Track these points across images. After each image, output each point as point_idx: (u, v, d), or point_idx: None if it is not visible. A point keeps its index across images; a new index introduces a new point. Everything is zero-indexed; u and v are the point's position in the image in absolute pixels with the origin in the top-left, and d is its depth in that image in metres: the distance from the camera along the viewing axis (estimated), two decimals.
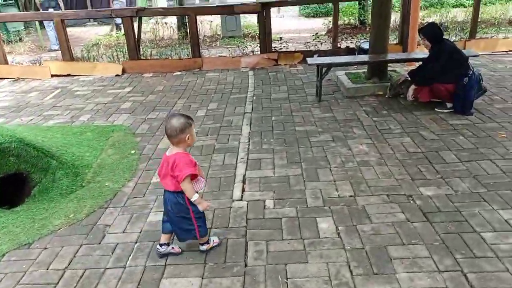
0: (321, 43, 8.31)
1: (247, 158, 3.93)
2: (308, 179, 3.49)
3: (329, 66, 5.50)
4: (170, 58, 7.98)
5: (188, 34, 7.59)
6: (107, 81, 7.23)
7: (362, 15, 10.82)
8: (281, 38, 8.12)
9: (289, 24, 14.39)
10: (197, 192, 2.46)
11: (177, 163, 2.38)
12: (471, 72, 4.62)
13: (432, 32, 4.76)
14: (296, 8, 17.87)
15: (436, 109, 4.87)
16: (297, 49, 8.12)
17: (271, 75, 7.08)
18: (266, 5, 7.33)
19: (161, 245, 2.62)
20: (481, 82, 4.75)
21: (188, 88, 6.60)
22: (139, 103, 5.91)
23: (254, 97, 5.89)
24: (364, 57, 5.84)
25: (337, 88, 6.03)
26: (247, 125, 4.80)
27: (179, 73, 7.59)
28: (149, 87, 6.78)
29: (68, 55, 7.65)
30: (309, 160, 3.84)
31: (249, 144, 4.25)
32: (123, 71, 7.67)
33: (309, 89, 6.05)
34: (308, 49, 7.99)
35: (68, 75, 7.67)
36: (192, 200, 2.44)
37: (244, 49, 8.04)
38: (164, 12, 7.38)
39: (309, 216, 2.95)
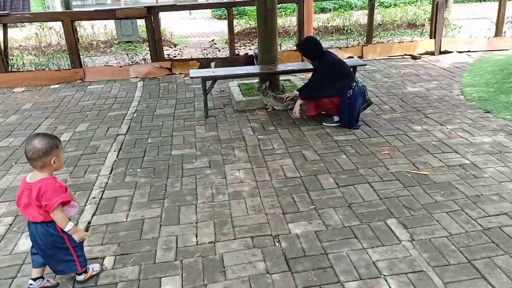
0: (219, 50, 7.84)
1: (101, 197, 3.29)
2: (166, 222, 2.95)
3: (214, 79, 5.03)
4: (48, 69, 7.00)
5: (66, 42, 6.70)
6: None
7: None
8: (175, 45, 7.52)
9: (199, 27, 13.85)
10: (70, 220, 2.21)
11: (44, 191, 2.08)
12: (354, 84, 4.41)
13: (307, 49, 4.53)
14: (208, 10, 17.33)
15: (323, 123, 4.61)
16: (193, 57, 7.57)
17: (162, 86, 6.46)
18: (153, 9, 6.68)
19: (34, 279, 2.30)
20: (366, 94, 4.56)
21: (61, 104, 5.76)
22: None
23: (135, 114, 5.24)
24: (250, 69, 5.42)
25: (230, 100, 5.60)
26: (114, 151, 4.15)
27: (57, 86, 6.68)
28: (15, 105, 5.82)
29: None
30: (175, 195, 3.30)
31: (109, 178, 3.61)
32: None
33: (199, 103, 5.53)
34: (205, 57, 7.48)
35: None
36: (66, 230, 2.17)
37: (133, 57, 7.32)
38: (33, 18, 6.42)
39: (153, 277, 2.42)
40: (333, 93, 4.42)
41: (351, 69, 4.93)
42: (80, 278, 2.36)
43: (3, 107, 5.74)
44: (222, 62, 7.16)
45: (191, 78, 4.97)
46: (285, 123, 4.72)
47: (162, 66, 7.01)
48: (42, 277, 2.32)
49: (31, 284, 2.29)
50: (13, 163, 3.97)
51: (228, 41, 7.20)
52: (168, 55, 7.35)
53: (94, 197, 3.29)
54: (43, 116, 5.33)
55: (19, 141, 4.50)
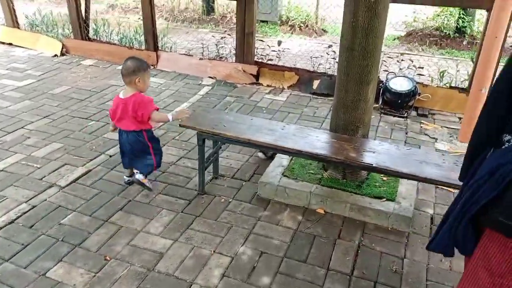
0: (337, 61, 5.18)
1: None
2: None
3: (217, 140, 2.78)
4: (129, 45, 5.81)
5: (143, 17, 5.28)
6: (33, 63, 5.47)
7: (462, 19, 7.06)
8: (279, 43, 5.27)
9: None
10: (152, 130, 2.80)
11: (139, 102, 2.57)
12: None
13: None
14: None
15: None
16: (295, 65, 5.19)
17: (223, 103, 4.49)
18: None
19: (128, 176, 2.95)
20: None
21: (91, 99, 4.47)
22: None
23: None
24: (300, 141, 2.74)
25: None
26: None
27: None
28: (54, 84, 4.81)
29: (10, 20, 6.07)
30: None
31: None
32: (67, 51, 5.83)
33: (234, 157, 3.40)
34: (312, 70, 5.03)
35: (10, 44, 6.14)
36: (171, 120, 2.71)
37: (220, 47, 5.42)
38: None
39: None
40: None
41: None
42: (138, 176, 2.81)
43: (37, 85, 4.77)
44: (330, 82, 4.67)
45: (181, 126, 2.86)
46: (313, 262, 2.23)
47: (246, 70, 4.97)
48: (132, 175, 2.89)
49: (124, 179, 2.96)
50: None
51: (405, 41, 4.57)
52: (263, 55, 5.20)
53: None
54: (52, 111, 4.12)
55: None
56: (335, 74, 4.84)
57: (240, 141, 2.65)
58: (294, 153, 2.57)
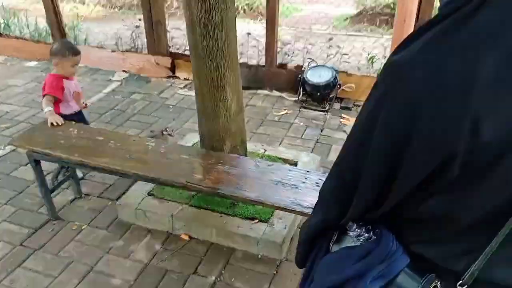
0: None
1: None
2: None
3: (62, 164, 2.34)
4: (37, 39, 5.27)
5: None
6: None
7: None
8: None
9: None
10: (62, 115, 2.51)
11: (45, 83, 2.53)
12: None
13: None
14: None
15: None
16: None
17: (130, 101, 4.05)
18: None
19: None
20: None
21: None
22: None
23: None
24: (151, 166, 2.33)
25: None
26: None
27: (32, 64, 4.95)
28: None
29: None
30: None
31: None
32: None
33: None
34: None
35: None
36: (44, 111, 2.51)
37: (136, 37, 4.90)
38: None
39: None
40: None
41: None
42: None
43: None
44: (250, 74, 4.24)
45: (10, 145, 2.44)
46: None
47: (159, 63, 4.50)
48: None
49: None
50: None
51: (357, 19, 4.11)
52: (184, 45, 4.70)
53: None
54: None
55: None
56: (256, 64, 4.43)
57: (73, 162, 2.23)
58: (130, 176, 2.16)
